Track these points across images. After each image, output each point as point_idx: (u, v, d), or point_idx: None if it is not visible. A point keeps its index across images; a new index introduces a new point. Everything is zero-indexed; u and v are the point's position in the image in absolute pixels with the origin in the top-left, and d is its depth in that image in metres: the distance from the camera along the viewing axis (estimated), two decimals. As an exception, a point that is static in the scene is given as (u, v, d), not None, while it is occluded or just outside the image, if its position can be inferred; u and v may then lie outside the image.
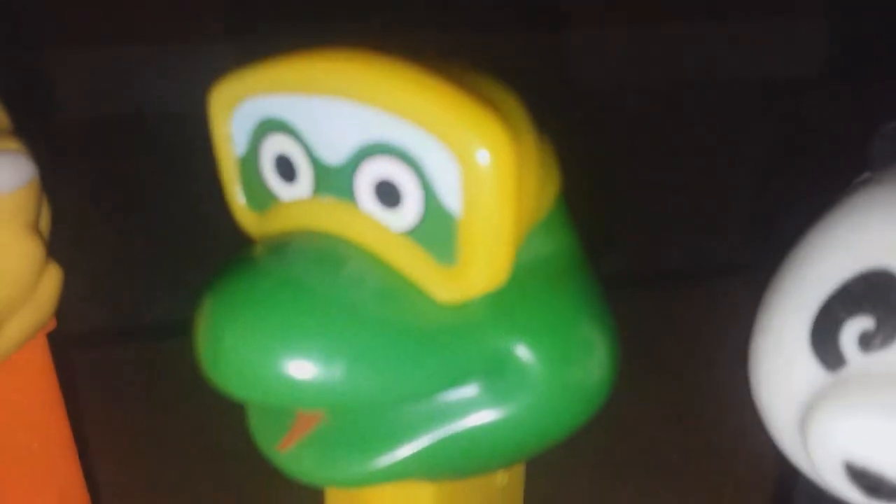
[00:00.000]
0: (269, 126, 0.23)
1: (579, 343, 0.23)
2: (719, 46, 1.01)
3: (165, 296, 0.65)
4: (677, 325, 0.56)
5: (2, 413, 0.30)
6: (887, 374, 0.19)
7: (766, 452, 0.23)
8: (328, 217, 0.23)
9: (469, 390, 0.23)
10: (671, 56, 1.00)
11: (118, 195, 0.78)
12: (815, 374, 0.20)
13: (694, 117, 0.92)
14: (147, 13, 0.90)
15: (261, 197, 0.24)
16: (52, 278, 0.28)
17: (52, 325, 0.29)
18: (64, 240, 0.29)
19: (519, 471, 0.28)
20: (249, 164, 0.24)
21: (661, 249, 0.73)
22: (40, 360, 0.30)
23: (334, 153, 0.22)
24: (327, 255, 0.23)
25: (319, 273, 0.22)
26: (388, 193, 0.22)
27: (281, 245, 0.23)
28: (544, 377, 0.22)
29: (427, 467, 0.23)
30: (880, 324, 0.19)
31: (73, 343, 0.51)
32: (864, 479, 0.19)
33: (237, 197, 0.25)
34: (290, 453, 0.23)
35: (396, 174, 0.22)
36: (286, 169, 0.23)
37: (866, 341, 0.19)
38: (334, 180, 0.23)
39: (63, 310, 0.29)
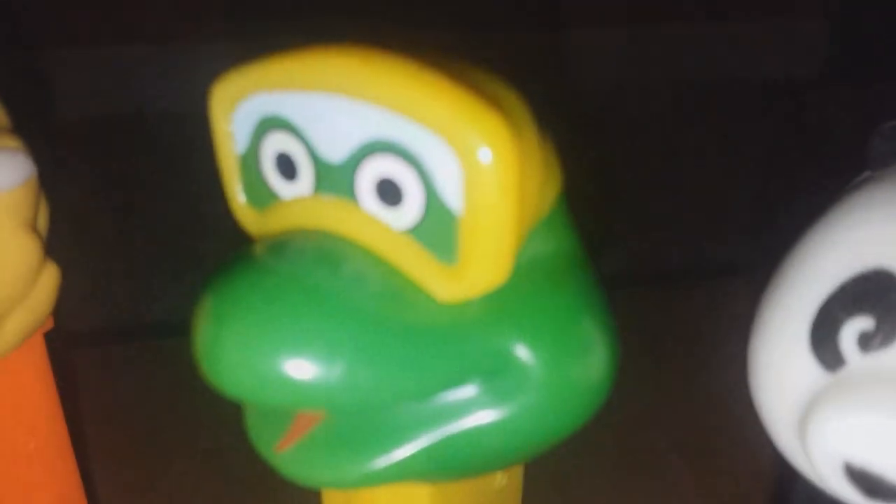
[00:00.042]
0: (270, 124, 0.23)
1: (579, 343, 0.23)
2: (719, 46, 1.01)
3: (165, 296, 0.65)
4: (677, 325, 0.56)
5: (-2, 413, 0.30)
6: (887, 374, 0.19)
7: (765, 453, 0.23)
8: (329, 215, 0.23)
9: (469, 390, 0.23)
10: (671, 56, 1.00)
11: (118, 195, 0.78)
12: (815, 375, 0.20)
13: (694, 117, 0.92)
14: (147, 13, 0.90)
15: (261, 195, 0.24)
16: (50, 277, 0.28)
17: (49, 324, 0.29)
18: (64, 239, 0.29)
19: (518, 472, 0.28)
20: (250, 161, 0.24)
21: (661, 249, 0.73)
22: (37, 359, 0.30)
23: (335, 151, 0.22)
24: (327, 253, 0.22)
25: (319, 272, 0.22)
26: (389, 192, 0.22)
27: (280, 244, 0.23)
28: (544, 377, 0.22)
29: (426, 468, 0.23)
30: (880, 324, 0.19)
31: (73, 343, 0.51)
32: (863, 479, 0.19)
33: (237, 195, 0.25)
34: (287, 454, 0.23)
35: (398, 172, 0.21)
36: (287, 167, 0.23)
37: (866, 341, 0.19)
38: (335, 178, 0.22)
39: (63, 309, 0.29)
